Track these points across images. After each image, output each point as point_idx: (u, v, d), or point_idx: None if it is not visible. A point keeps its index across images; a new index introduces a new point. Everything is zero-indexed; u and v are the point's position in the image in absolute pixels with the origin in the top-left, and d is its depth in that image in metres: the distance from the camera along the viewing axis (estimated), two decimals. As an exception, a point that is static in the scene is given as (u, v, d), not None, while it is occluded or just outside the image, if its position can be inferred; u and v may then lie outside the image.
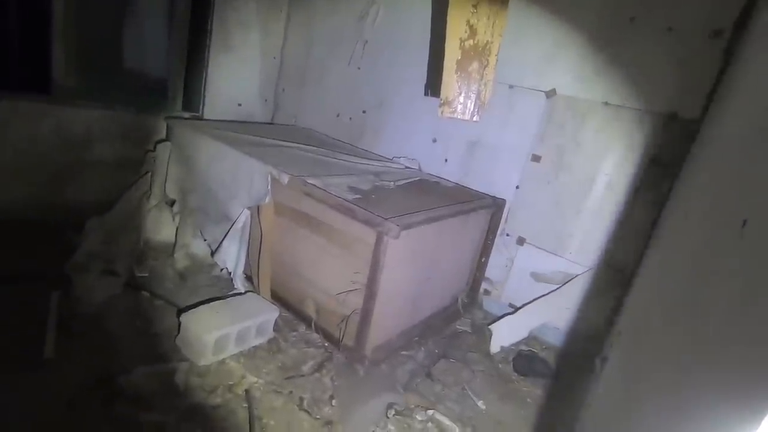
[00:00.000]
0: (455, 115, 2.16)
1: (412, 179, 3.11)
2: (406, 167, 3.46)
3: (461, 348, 2.80)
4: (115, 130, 3.37)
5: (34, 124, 3.02)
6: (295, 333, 2.57)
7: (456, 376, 2.51)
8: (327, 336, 2.51)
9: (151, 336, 2.30)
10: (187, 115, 3.76)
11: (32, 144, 3.03)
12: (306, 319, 2.59)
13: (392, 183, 2.89)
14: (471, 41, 1.99)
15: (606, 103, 2.70)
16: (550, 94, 2.88)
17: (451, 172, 3.36)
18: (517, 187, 3.08)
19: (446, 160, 3.40)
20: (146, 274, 2.80)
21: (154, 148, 3.29)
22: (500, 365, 2.71)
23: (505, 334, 2.83)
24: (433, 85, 2.99)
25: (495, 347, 2.79)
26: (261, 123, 4.26)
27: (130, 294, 2.59)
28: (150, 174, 3.24)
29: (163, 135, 3.43)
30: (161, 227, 3.15)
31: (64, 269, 2.55)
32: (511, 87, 3.00)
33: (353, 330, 2.36)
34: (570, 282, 2.89)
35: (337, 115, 4.02)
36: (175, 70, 3.66)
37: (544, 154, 2.95)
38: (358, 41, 3.73)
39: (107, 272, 2.61)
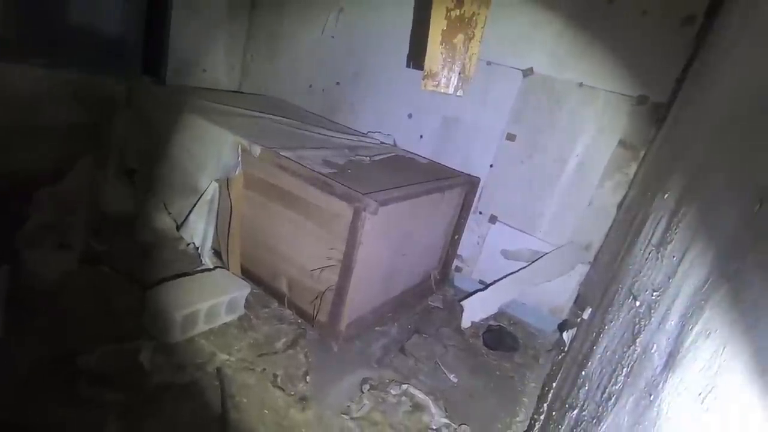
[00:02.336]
0: (438, 89, 2.11)
1: (388, 155, 3.06)
2: (381, 142, 3.40)
3: (433, 323, 2.84)
4: (66, 92, 3.08)
5: (-29, 83, 2.72)
6: (266, 310, 2.51)
7: (428, 350, 2.55)
8: (300, 312, 2.47)
9: (113, 313, 2.18)
10: (148, 79, 3.50)
11: (-30, 105, 2.74)
12: (278, 296, 2.53)
13: (367, 158, 2.84)
14: (457, 11, 1.93)
15: (581, 84, 2.73)
16: (528, 72, 2.88)
17: (426, 149, 3.34)
18: (491, 166, 3.10)
19: (421, 137, 3.36)
20: (105, 248, 2.63)
21: (112, 113, 3.05)
22: (471, 340, 2.77)
23: (475, 310, 2.89)
24: (416, 57, 2.89)
25: (466, 322, 2.85)
26: (229, 91, 4.04)
27: (88, 269, 2.43)
28: (107, 141, 3.01)
29: (123, 100, 3.18)
30: (119, 198, 2.96)
31: (11, 242, 2.35)
32: (489, 64, 2.97)
33: (327, 306, 2.33)
34: (538, 259, 2.97)
35: (310, 86, 3.87)
36: (134, 29, 3.37)
37: (519, 133, 2.97)
38: (334, 8, 3.57)
39: (61, 245, 2.43)
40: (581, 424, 1.13)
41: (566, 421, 1.24)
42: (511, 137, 3.00)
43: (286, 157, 2.35)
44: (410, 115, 3.38)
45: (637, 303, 1.15)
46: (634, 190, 2.46)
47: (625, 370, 1.02)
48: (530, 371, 2.61)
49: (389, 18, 3.32)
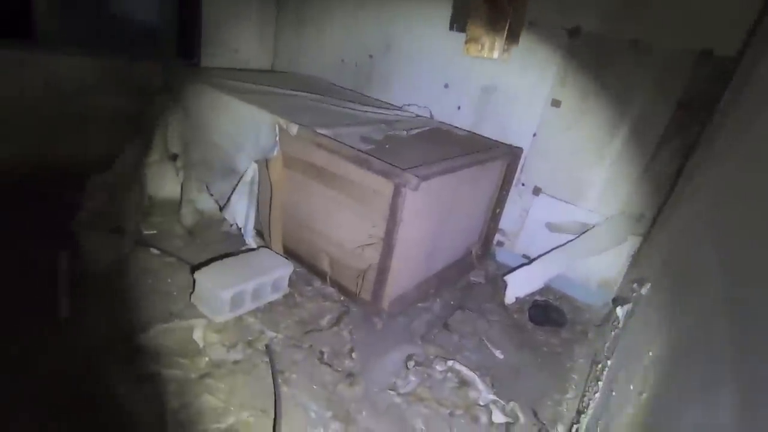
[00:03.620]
0: (482, 54, 1.98)
1: (425, 128, 2.96)
2: (417, 115, 3.30)
3: (476, 299, 2.79)
4: (109, 80, 3.16)
5: (18, 75, 2.81)
6: (310, 288, 2.54)
7: (472, 326, 2.51)
8: (343, 290, 2.48)
9: (165, 294, 2.27)
10: (184, 63, 3.53)
11: (18, 97, 2.84)
12: (320, 274, 2.55)
13: (405, 132, 2.76)
14: (502, -33, 1.78)
15: (635, 42, 2.51)
16: (574, 32, 2.67)
17: (464, 120, 3.21)
18: (534, 135, 2.94)
19: (459, 107, 3.23)
20: (154, 231, 2.73)
21: (153, 99, 3.11)
22: (515, 315, 2.71)
23: (520, 285, 2.81)
24: (459, 19, 2.66)
25: (510, 298, 2.78)
26: (262, 70, 4.03)
27: (140, 252, 2.53)
28: (150, 127, 3.08)
29: (161, 85, 3.23)
30: (165, 183, 3.04)
31: (68, 228, 2.48)
32: (530, 24, 2.78)
33: (370, 284, 2.32)
34: (586, 232, 2.84)
35: (342, 61, 3.79)
36: (168, 14, 3.39)
37: (565, 99, 2.79)
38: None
39: (115, 230, 2.54)
40: (657, 409, 1.05)
41: (633, 402, 1.18)
42: (556, 103, 2.82)
43: (324, 135, 2.31)
44: (446, 86, 3.24)
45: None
46: (698, 157, 2.26)
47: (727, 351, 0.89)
48: (579, 347, 2.53)
49: (422, -18, 3.16)
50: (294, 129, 2.36)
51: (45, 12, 2.83)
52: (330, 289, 2.53)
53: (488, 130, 3.10)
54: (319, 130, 2.35)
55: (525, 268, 2.90)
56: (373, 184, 2.14)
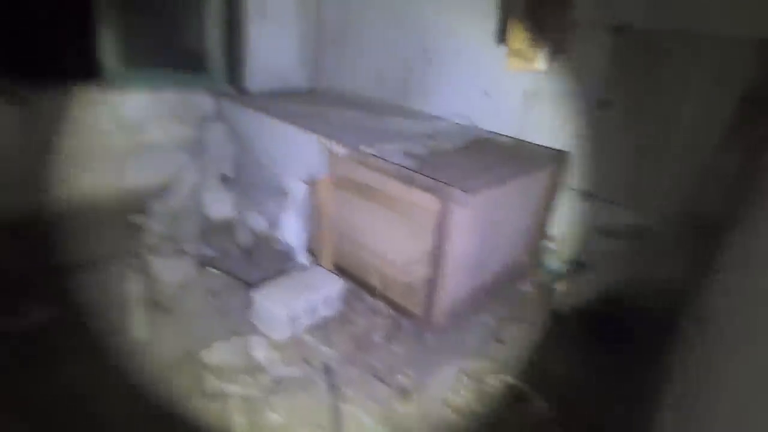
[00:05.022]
0: (527, 67, 1.94)
1: (468, 138, 2.95)
2: (459, 125, 3.29)
3: (528, 309, 2.73)
4: (166, 111, 3.40)
5: (91, 112, 3.09)
6: (361, 303, 2.59)
7: (525, 338, 2.46)
8: (393, 305, 2.51)
9: (226, 313, 2.39)
10: (231, 89, 3.72)
11: (92, 131, 3.12)
12: (370, 289, 2.60)
13: (448, 144, 2.76)
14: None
15: (688, 33, 2.37)
16: (620, 29, 2.57)
17: (507, 126, 3.16)
18: (582, 137, 2.85)
19: (500, 114, 3.19)
20: (213, 252, 2.89)
21: (207, 126, 3.31)
22: (570, 326, 2.63)
23: (571, 293, 2.72)
24: (500, 28, 2.59)
25: (562, 307, 2.70)
26: (304, 91, 4.17)
27: (201, 272, 2.69)
28: (204, 152, 3.27)
29: (212, 112, 3.43)
30: (220, 205, 3.22)
31: (137, 252, 2.68)
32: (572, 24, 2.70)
33: (420, 298, 2.34)
34: (642, 236, 2.70)
35: (380, 75, 3.84)
36: (216, 45, 3.60)
37: (614, 99, 2.68)
38: (399, -8, 3.48)
39: (178, 252, 2.72)
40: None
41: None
42: (604, 104, 2.72)
43: (368, 153, 2.36)
44: (487, 93, 3.21)
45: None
46: None
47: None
48: (643, 361, 2.40)
49: (459, -8, 3.16)
50: (340, 150, 2.43)
51: (109, 55, 3.09)
52: (380, 305, 2.56)
53: (533, 136, 3.03)
54: (363, 149, 2.40)
55: (575, 275, 2.80)
56: (420, 201, 2.16)
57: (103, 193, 3.24)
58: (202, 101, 3.50)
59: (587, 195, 2.91)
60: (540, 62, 1.91)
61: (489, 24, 2.98)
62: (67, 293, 2.33)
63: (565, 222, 3.03)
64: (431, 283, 2.24)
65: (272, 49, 3.85)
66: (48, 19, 2.91)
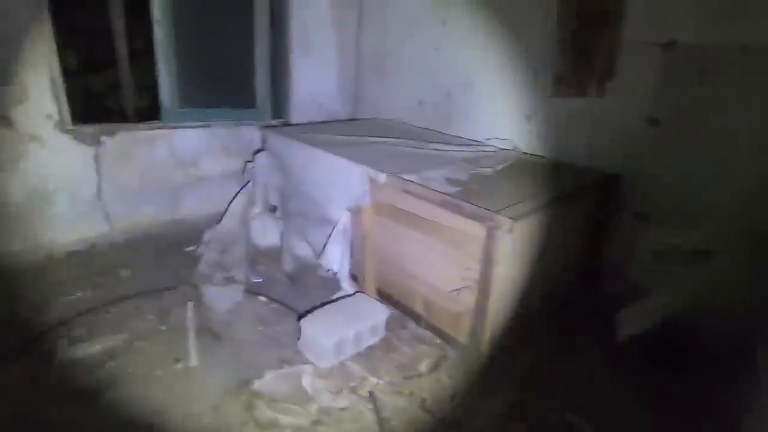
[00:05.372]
0: (574, 95, 1.91)
1: (510, 162, 2.92)
2: (500, 149, 3.27)
3: (581, 336, 2.60)
4: (217, 145, 3.61)
5: (151, 149, 3.33)
6: (405, 330, 2.57)
7: (578, 367, 2.35)
8: (439, 333, 2.47)
9: (275, 340, 2.44)
10: (276, 122, 3.90)
11: (152, 166, 3.35)
12: (415, 317, 2.58)
13: (490, 169, 2.74)
14: None
15: (744, 48, 2.27)
16: (668, 46, 2.49)
17: (549, 149, 3.10)
18: (632, 157, 2.74)
19: (542, 136, 3.14)
20: (260, 279, 2.97)
21: (253, 158, 3.47)
22: (628, 355, 2.47)
23: (632, 321, 2.57)
24: (548, 58, 2.55)
25: (622, 335, 2.55)
26: (345, 120, 4.30)
27: (249, 299, 2.77)
28: (251, 183, 3.42)
29: (259, 144, 3.60)
30: (267, 233, 3.33)
31: (191, 280, 2.81)
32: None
33: (466, 327, 2.29)
34: (705, 259, 2.53)
35: (419, 102, 3.91)
36: (263, 82, 3.81)
37: (665, 116, 2.58)
38: (436, 22, 3.56)
39: (228, 280, 2.82)
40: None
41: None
42: (654, 122, 2.62)
43: (410, 181, 2.38)
44: (528, 117, 3.18)
45: None
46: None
47: None
48: (706, 392, 2.22)
49: (498, 19, 3.19)
50: (382, 178, 2.47)
51: (170, 98, 3.34)
52: (426, 332, 2.53)
53: (579, 158, 2.95)
54: (405, 177, 2.43)
55: (638, 302, 2.65)
56: (465, 228, 2.14)
57: (160, 224, 3.44)
58: (250, 134, 3.70)
59: (641, 216, 2.79)
60: (589, 89, 1.86)
61: (535, 52, 2.94)
62: (128, 321, 2.47)
63: (620, 245, 2.90)
64: (477, 311, 2.20)
65: (315, 82, 4.02)
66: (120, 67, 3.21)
